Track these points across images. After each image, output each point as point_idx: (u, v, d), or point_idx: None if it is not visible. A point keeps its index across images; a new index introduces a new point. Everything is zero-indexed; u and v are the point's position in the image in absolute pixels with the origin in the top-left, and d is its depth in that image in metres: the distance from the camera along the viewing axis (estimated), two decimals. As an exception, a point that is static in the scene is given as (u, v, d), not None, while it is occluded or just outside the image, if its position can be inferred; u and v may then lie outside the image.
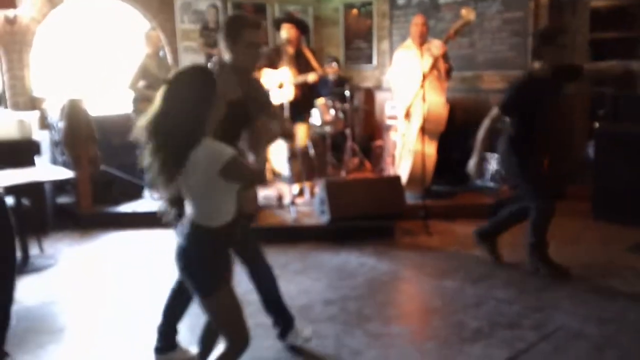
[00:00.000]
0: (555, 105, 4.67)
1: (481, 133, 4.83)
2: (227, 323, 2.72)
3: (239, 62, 3.46)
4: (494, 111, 4.76)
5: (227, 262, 2.75)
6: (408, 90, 6.68)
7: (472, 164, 4.85)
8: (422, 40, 6.62)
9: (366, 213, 5.96)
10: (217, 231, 2.63)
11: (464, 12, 6.33)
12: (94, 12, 8.15)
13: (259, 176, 2.82)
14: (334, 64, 7.41)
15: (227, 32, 3.44)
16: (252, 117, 3.32)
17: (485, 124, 4.81)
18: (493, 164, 7.17)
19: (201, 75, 2.61)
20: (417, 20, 6.72)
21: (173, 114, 2.52)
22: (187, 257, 2.65)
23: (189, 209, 2.67)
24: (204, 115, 2.55)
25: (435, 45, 6.57)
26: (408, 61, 6.72)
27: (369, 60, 9.42)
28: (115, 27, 8.42)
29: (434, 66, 6.44)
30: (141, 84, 6.92)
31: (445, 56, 6.60)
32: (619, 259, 5.17)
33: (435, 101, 6.56)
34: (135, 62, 7.03)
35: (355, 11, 9.54)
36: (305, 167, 6.80)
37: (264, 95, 3.73)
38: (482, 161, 5.17)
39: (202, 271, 2.64)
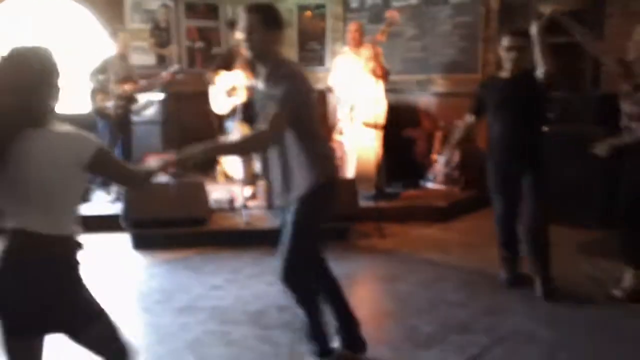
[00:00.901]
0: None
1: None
2: None
3: None
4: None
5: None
6: (349, 91, 6.83)
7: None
8: (357, 44, 6.89)
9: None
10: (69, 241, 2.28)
11: (388, 13, 6.79)
12: (41, 10, 7.93)
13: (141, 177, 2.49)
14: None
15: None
16: None
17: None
18: (441, 165, 7.26)
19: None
20: (350, 27, 7.10)
21: None
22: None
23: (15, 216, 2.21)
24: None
25: (366, 47, 6.78)
26: (346, 65, 6.94)
27: (321, 62, 9.41)
28: (63, 25, 8.21)
29: (370, 67, 6.66)
30: (100, 77, 6.81)
31: (377, 58, 6.72)
32: (569, 260, 5.25)
33: (372, 97, 6.77)
34: (99, 56, 7.02)
35: (308, 13, 9.52)
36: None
37: None
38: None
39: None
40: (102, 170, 2.32)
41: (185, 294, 4.60)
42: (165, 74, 7.02)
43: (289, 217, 3.22)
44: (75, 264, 2.27)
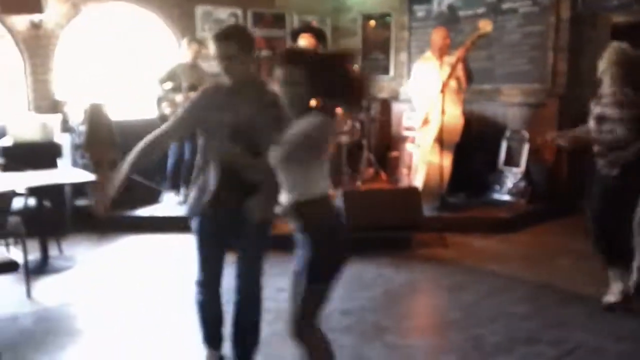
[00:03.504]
0: None
1: None
2: None
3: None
4: None
5: None
6: (426, 101, 6.71)
7: None
8: (443, 53, 6.66)
9: (383, 224, 5.97)
10: None
11: (481, 24, 6.44)
12: (116, 19, 8.22)
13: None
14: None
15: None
16: None
17: None
18: (511, 177, 7.19)
19: None
20: (440, 33, 6.74)
21: None
22: None
23: None
24: None
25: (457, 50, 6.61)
26: (427, 73, 6.74)
27: (385, 71, 9.44)
28: (138, 33, 8.48)
29: (452, 74, 6.45)
30: (168, 85, 7.00)
31: (465, 63, 6.58)
32: None
33: (451, 112, 6.57)
34: (168, 63, 7.18)
35: (373, 22, 9.58)
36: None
37: None
38: None
39: None
40: None
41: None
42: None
43: None
44: None
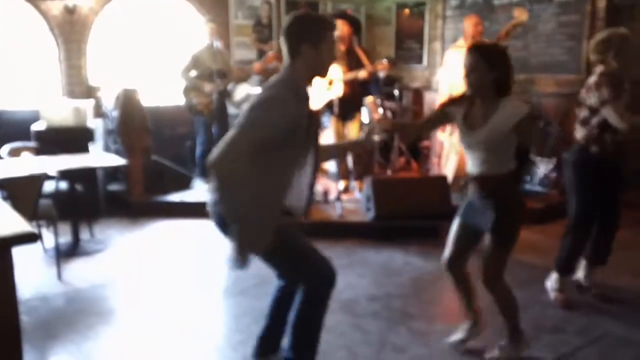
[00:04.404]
0: None
1: None
2: None
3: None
4: None
5: None
6: (457, 90, 6.64)
7: None
8: (476, 40, 6.57)
9: (412, 212, 5.94)
10: None
11: (516, 12, 6.32)
12: (150, 5, 8.30)
13: None
14: (384, 61, 7.37)
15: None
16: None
17: None
18: (542, 168, 7.08)
19: None
20: (472, 20, 6.65)
21: None
22: None
23: None
24: None
25: None
26: (459, 61, 6.65)
27: (419, 60, 9.39)
28: (170, 20, 8.56)
29: None
30: (193, 73, 7.02)
31: None
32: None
33: None
34: (188, 52, 7.15)
35: (407, 11, 9.53)
36: (355, 164, 6.80)
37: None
38: None
39: None
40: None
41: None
42: (256, 64, 7.18)
43: None
44: None
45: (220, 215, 2.84)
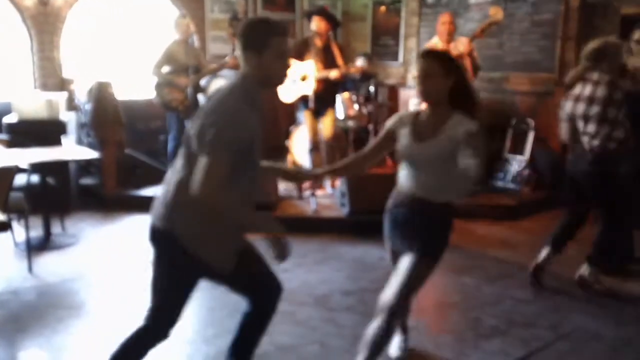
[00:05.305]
0: None
1: None
2: None
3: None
4: None
5: None
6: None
7: None
8: (449, 38, 6.64)
9: (385, 207, 5.94)
10: None
11: (492, 11, 6.41)
12: (121, 2, 8.22)
13: None
14: (359, 62, 7.39)
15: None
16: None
17: None
18: (515, 165, 7.15)
19: None
20: (444, 19, 6.71)
21: None
22: None
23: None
24: None
25: (462, 42, 6.54)
26: None
27: (394, 57, 9.42)
28: (145, 13, 8.48)
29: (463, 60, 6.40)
30: (165, 69, 6.92)
31: (471, 54, 6.57)
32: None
33: None
34: (161, 47, 7.06)
35: (383, 8, 9.55)
36: (328, 159, 6.80)
37: None
38: None
39: None
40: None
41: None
42: (229, 58, 7.10)
43: None
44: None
45: (165, 230, 2.77)
